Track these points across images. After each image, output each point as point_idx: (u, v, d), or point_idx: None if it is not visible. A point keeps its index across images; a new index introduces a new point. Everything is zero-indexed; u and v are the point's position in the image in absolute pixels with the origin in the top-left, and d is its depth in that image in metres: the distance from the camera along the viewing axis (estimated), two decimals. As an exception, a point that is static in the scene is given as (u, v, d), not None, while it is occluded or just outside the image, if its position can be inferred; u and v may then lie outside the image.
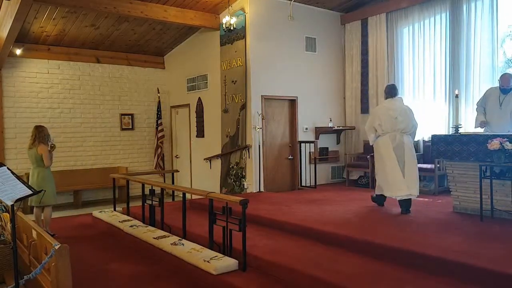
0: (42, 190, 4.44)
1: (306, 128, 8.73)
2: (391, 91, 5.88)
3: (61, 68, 9.20)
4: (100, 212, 7.17)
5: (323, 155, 8.91)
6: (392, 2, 8.30)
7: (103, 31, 8.72)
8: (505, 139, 4.77)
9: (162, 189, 5.90)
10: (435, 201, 6.53)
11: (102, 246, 5.81)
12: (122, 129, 10.01)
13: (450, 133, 6.09)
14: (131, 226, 5.98)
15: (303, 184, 8.58)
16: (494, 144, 4.78)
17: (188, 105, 9.82)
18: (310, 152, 8.62)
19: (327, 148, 9.06)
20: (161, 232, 5.49)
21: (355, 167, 8.64)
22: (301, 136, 8.63)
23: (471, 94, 7.17)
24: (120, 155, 9.97)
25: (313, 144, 8.56)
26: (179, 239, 5.09)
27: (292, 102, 8.61)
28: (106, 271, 4.76)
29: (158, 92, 10.27)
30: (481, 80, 7.07)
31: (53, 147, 6.27)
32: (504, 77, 5.93)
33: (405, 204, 5.58)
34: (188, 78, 9.74)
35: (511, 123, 5.77)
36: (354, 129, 9.07)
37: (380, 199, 6.08)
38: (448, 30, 7.52)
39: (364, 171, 8.26)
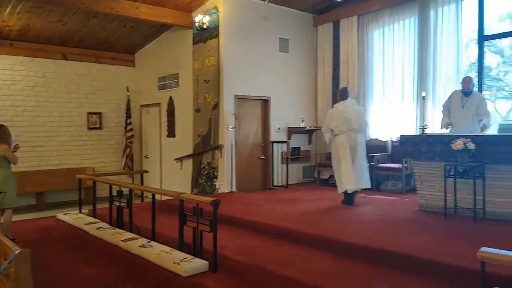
0: (1, 192, 4.25)
1: (279, 128, 8.75)
2: (344, 94, 6.39)
3: (24, 64, 8.87)
4: (64, 214, 6.95)
5: (295, 155, 8.96)
6: (363, 5, 8.43)
7: (71, 27, 8.47)
8: (468, 139, 4.94)
9: (131, 190, 5.78)
10: (402, 200, 6.68)
11: (67, 250, 5.62)
12: (89, 128, 9.75)
13: (418, 133, 6.23)
14: (98, 228, 5.82)
15: (275, 183, 8.60)
16: (458, 144, 4.94)
17: (159, 104, 9.67)
18: (282, 152, 8.65)
19: (299, 148, 9.12)
20: (129, 234, 5.37)
21: (326, 167, 8.70)
22: (273, 136, 8.65)
23: (438, 96, 7.37)
24: (87, 155, 9.71)
25: (285, 144, 8.61)
26: (148, 241, 4.99)
27: (265, 102, 8.62)
28: (70, 275, 4.61)
29: (128, 91, 10.06)
30: (446, 83, 7.28)
31: (16, 147, 6.04)
32: (465, 80, 6.16)
33: (352, 196, 6.18)
34: (159, 77, 9.59)
35: (473, 124, 5.97)
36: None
37: (350, 199, 6.28)
38: (417, 34, 7.70)
39: (335, 171, 8.34)
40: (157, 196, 5.96)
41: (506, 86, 7.79)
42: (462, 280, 3.25)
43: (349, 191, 6.16)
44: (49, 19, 7.98)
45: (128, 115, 9.96)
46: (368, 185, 6.33)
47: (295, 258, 4.12)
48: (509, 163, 4.79)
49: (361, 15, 8.54)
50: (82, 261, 5.06)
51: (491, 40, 7.50)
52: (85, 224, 6.15)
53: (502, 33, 7.44)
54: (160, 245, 4.81)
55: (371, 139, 8.38)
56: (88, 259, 5.17)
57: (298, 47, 9.11)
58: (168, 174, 9.41)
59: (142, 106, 10.36)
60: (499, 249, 2.56)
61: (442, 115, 6.43)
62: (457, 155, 5.01)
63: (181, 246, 4.58)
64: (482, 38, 7.15)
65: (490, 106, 6.35)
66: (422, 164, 5.69)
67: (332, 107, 6.74)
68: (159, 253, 4.49)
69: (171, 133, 9.32)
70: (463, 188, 5.15)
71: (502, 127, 5.44)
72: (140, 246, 4.80)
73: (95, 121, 9.83)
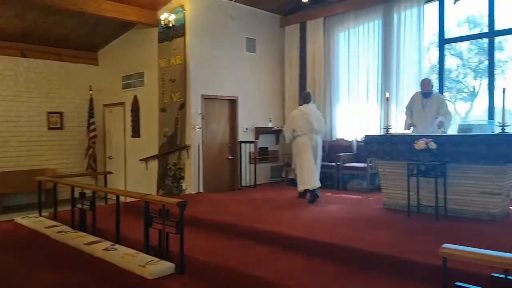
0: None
1: (247, 128, 8.74)
2: (307, 98, 6.76)
3: (-20, 61, 8.48)
4: (23, 218, 6.66)
5: (262, 155, 8.97)
6: (329, 7, 8.55)
7: (29, 23, 8.14)
8: (430, 139, 5.09)
9: (94, 192, 5.61)
10: (367, 198, 6.81)
11: (25, 255, 5.39)
12: (50, 128, 9.41)
13: (382, 133, 6.37)
14: (59, 232, 5.61)
15: (243, 184, 8.58)
16: (420, 144, 5.08)
17: (123, 104, 9.45)
18: (250, 152, 8.65)
19: (267, 148, 9.14)
20: (92, 238, 5.21)
21: (291, 167, 8.78)
22: (241, 136, 8.63)
23: (401, 97, 7.56)
24: (48, 156, 9.36)
25: (253, 144, 8.61)
26: (112, 244, 4.86)
27: (233, 102, 8.58)
28: (29, 281, 4.42)
29: (91, 90, 9.76)
30: (409, 85, 7.48)
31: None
32: (423, 82, 6.37)
33: (314, 193, 6.52)
34: (124, 76, 9.37)
35: (433, 125, 6.17)
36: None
37: (310, 195, 6.53)
38: (381, 37, 7.88)
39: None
40: (122, 198, 5.83)
41: (465, 88, 8.11)
42: (425, 276, 3.33)
43: (310, 189, 6.51)
44: (6, 14, 7.63)
45: (91, 114, 9.68)
46: (318, 185, 6.67)
47: (263, 257, 4.11)
48: (468, 162, 4.97)
49: (327, 17, 8.65)
50: (43, 267, 4.86)
51: (451, 44, 7.79)
52: (45, 227, 5.92)
53: (461, 36, 7.74)
54: (125, 248, 4.69)
55: (337, 139, 8.52)
56: (49, 264, 4.97)
57: (266, 48, 9.13)
58: (133, 175, 9.21)
59: (105, 105, 10.09)
60: (460, 245, 2.63)
61: (405, 116, 6.61)
62: (419, 154, 5.15)
63: (146, 248, 4.48)
64: (443, 42, 7.41)
65: (450, 107, 6.58)
66: (386, 163, 5.82)
67: (295, 109, 6.95)
68: (124, 256, 4.38)
69: (136, 133, 9.13)
70: (426, 187, 5.31)
71: (461, 127, 5.63)
72: (103, 249, 4.67)
73: (55, 120, 9.50)
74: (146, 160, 8.66)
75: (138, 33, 8.92)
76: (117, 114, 9.73)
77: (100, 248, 4.73)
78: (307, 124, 6.53)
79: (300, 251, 4.22)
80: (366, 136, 6.11)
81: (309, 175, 6.51)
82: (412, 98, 6.55)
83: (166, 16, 7.57)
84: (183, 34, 7.83)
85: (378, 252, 3.79)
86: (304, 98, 6.79)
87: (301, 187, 6.64)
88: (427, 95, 6.29)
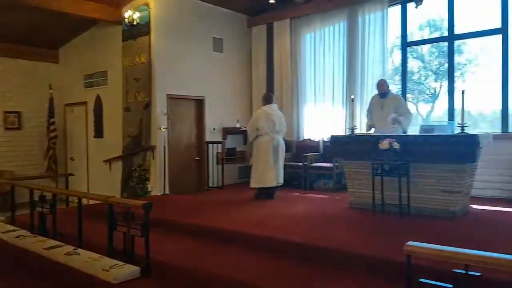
0: None
1: (214, 129, 8.68)
2: (269, 99, 6.99)
3: None
4: (-22, 222, 6.34)
5: (230, 155, 8.92)
6: (295, 9, 8.61)
7: (-16, 18, 7.77)
8: (394, 139, 5.21)
9: (54, 195, 5.40)
10: (333, 198, 6.90)
11: (-19, 261, 5.12)
12: (6, 129, 9.02)
13: (347, 134, 6.48)
14: (17, 236, 5.36)
15: (211, 185, 8.50)
16: (384, 144, 5.20)
17: (85, 103, 9.17)
18: (217, 153, 8.58)
19: (235, 148, 9.11)
20: (53, 242, 5.00)
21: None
22: (208, 137, 8.56)
23: (365, 99, 7.70)
24: (4, 158, 8.94)
25: (220, 144, 8.55)
26: (74, 249, 4.68)
27: (200, 102, 8.49)
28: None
29: (51, 89, 9.39)
30: (374, 86, 7.57)
31: None
32: (379, 84, 6.57)
33: (273, 191, 6.75)
34: (86, 74, 9.10)
35: (400, 125, 6.32)
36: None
37: (263, 193, 6.78)
38: (346, 39, 8.00)
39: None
40: (84, 201, 5.64)
41: (427, 89, 8.38)
42: (390, 273, 3.39)
43: (271, 186, 6.74)
44: (-41, 8, 7.26)
45: (51, 114, 9.32)
46: (282, 182, 6.93)
47: (230, 258, 4.08)
48: (430, 162, 5.13)
49: (294, 18, 8.72)
50: (1, 274, 4.63)
51: (413, 46, 8.02)
52: (2, 232, 5.63)
53: (422, 40, 7.99)
54: (88, 252, 4.54)
55: (304, 139, 8.59)
56: (6, 271, 4.74)
57: (233, 47, 9.10)
58: (96, 177, 8.95)
59: (66, 105, 9.77)
60: (423, 242, 2.70)
61: (367, 119, 6.77)
62: (383, 154, 5.26)
63: (111, 252, 4.35)
64: (405, 44, 7.62)
65: (411, 107, 6.78)
66: (352, 163, 5.92)
67: (258, 109, 7.10)
68: (87, 261, 4.23)
69: (98, 133, 8.88)
70: (390, 186, 5.42)
71: (423, 128, 5.79)
72: (65, 254, 4.49)
73: (13, 120, 9.11)
74: (109, 161, 8.43)
75: (101, 30, 8.68)
76: (79, 113, 9.44)
77: (61, 252, 4.55)
78: (270, 124, 6.73)
79: (268, 251, 4.21)
80: (332, 137, 6.21)
81: (270, 174, 6.69)
82: (370, 101, 6.74)
83: (130, 14, 7.41)
84: (148, 33, 7.68)
85: (344, 250, 3.84)
86: (267, 98, 6.99)
87: (257, 185, 6.80)
88: (384, 96, 6.48)
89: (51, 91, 9.39)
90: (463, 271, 2.29)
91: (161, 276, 3.95)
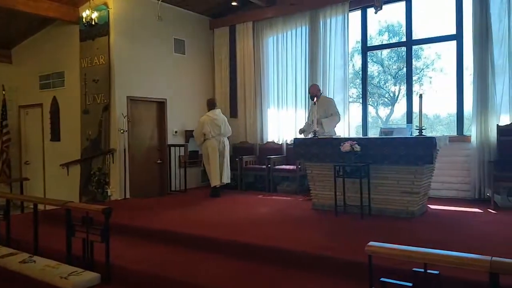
0: None
1: (176, 131, 8.55)
2: (213, 104, 7.58)
3: None
4: None
5: (193, 158, 8.81)
6: (258, 11, 8.64)
7: None
8: (355, 142, 5.32)
9: (8, 200, 5.15)
10: (296, 200, 6.96)
11: None
12: (-44, 131, 8.53)
13: (310, 137, 6.56)
14: (-33, 245, 5.07)
15: (173, 188, 8.37)
16: (345, 147, 5.30)
17: (41, 105, 8.81)
18: (180, 156, 8.45)
19: (198, 151, 8.98)
20: (6, 250, 4.76)
21: (224, 170, 8.75)
22: (170, 139, 8.42)
23: (327, 102, 7.83)
24: (-47, 162, 8.46)
25: (183, 147, 8.43)
26: (30, 256, 4.48)
27: (161, 104, 8.35)
28: None
29: (3, 90, 8.98)
30: (335, 90, 7.76)
31: None
32: (311, 87, 6.90)
33: (218, 190, 7.37)
34: (41, 75, 8.75)
35: (321, 127, 6.58)
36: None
37: (217, 191, 7.33)
38: (308, 42, 8.09)
39: (233, 173, 8.40)
40: (41, 206, 5.41)
41: (386, 93, 8.63)
42: (352, 273, 3.45)
43: (217, 186, 7.38)
44: None
45: (4, 116, 8.91)
46: (229, 181, 7.65)
47: (194, 263, 4.03)
48: (389, 163, 5.27)
49: (256, 21, 8.74)
50: None
51: (373, 51, 8.24)
52: (-51, 241, 5.31)
53: (382, 44, 8.23)
54: (44, 259, 4.35)
55: (268, 142, 8.62)
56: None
57: (195, 49, 9.02)
58: (53, 182, 8.61)
59: (21, 106, 9.35)
60: (384, 242, 2.76)
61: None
62: (345, 156, 5.37)
63: (69, 259, 4.19)
64: (365, 49, 7.80)
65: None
66: (314, 165, 6.00)
67: (203, 116, 7.53)
68: (44, 268, 4.06)
69: (55, 136, 8.55)
70: (351, 187, 5.54)
71: (383, 131, 5.95)
72: (20, 262, 4.29)
73: (-38, 123, 8.62)
74: (67, 165, 8.13)
75: (58, 30, 8.37)
76: (34, 115, 9.06)
77: (16, 260, 4.34)
78: (215, 128, 7.36)
79: (230, 254, 4.18)
80: (295, 139, 6.27)
81: (216, 174, 7.36)
82: (311, 106, 6.94)
83: (88, 14, 7.19)
84: (107, 33, 7.48)
85: (307, 252, 3.87)
86: (211, 104, 7.56)
87: (213, 184, 7.39)
88: (314, 99, 6.65)
89: (4, 92, 8.98)
90: (422, 270, 2.35)
91: (122, 282, 3.85)
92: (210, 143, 7.38)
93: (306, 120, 7.12)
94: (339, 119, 6.89)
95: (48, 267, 4.10)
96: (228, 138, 7.72)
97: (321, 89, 7.04)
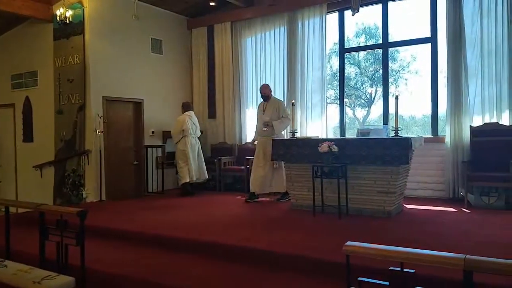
0: None
1: (153, 132, 8.45)
2: (189, 106, 7.97)
3: None
4: None
5: (170, 159, 8.71)
6: (236, 12, 8.62)
7: None
8: (333, 142, 5.37)
9: (-22, 203, 4.97)
10: (275, 200, 6.96)
11: None
12: None
13: (288, 137, 6.59)
14: None
15: (150, 190, 8.26)
16: (323, 147, 5.34)
17: (12, 105, 8.57)
18: (157, 157, 8.36)
19: (175, 152, 8.90)
20: (-24, 255, 4.61)
21: (202, 171, 8.69)
22: (147, 140, 8.32)
23: (305, 103, 7.86)
24: None
25: (160, 148, 8.34)
26: (1, 261, 4.33)
27: (138, 105, 8.23)
28: None
29: (-27, 89, 8.72)
30: (313, 91, 7.81)
31: None
32: (261, 87, 6.95)
33: (189, 187, 7.67)
34: (13, 74, 8.51)
35: (272, 130, 6.67)
36: (202, 133, 9.10)
37: (188, 189, 7.60)
38: (286, 43, 8.10)
39: (212, 174, 8.36)
40: (13, 209, 5.26)
41: (363, 94, 8.74)
42: (330, 273, 3.47)
43: (198, 181, 7.84)
44: None
45: (-26, 117, 8.64)
46: (207, 177, 8.02)
47: (171, 265, 3.98)
48: (366, 164, 5.34)
49: (235, 21, 8.72)
50: None
51: (350, 53, 8.33)
52: None
53: (359, 46, 8.33)
54: (17, 264, 4.21)
55: (246, 142, 8.60)
56: None
57: (173, 49, 8.93)
58: (26, 184, 8.38)
59: (-9, 107, 9.08)
60: (361, 242, 2.78)
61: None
62: (323, 157, 5.41)
63: (42, 263, 4.08)
64: (343, 51, 7.88)
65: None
66: (293, 166, 6.02)
67: (182, 115, 7.81)
68: (16, 273, 3.92)
69: (28, 137, 8.32)
70: (329, 187, 5.58)
71: (360, 132, 6.02)
72: (-10, 267, 4.15)
73: None
74: (40, 166, 7.93)
75: (31, 28, 8.16)
76: (5, 116, 8.80)
77: (-15, 266, 4.20)
78: (193, 127, 7.77)
79: (210, 256, 4.15)
80: (274, 140, 6.28)
81: (192, 170, 7.66)
82: (258, 107, 7.07)
83: (62, 12, 7.03)
84: (82, 32, 7.34)
85: (285, 252, 3.87)
86: (187, 106, 7.95)
87: (184, 180, 7.66)
88: (266, 99, 6.83)
89: (-27, 91, 8.70)
90: (398, 269, 2.38)
91: (98, 286, 3.79)
92: (188, 140, 7.64)
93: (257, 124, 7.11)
94: (289, 122, 6.78)
95: (21, 271, 3.98)
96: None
97: (272, 89, 7.11)
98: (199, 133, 8.02)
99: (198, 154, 7.91)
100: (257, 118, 7.07)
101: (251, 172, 6.99)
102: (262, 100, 6.98)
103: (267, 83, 7.35)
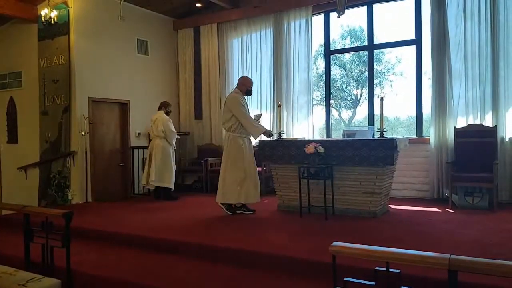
0: None
1: (139, 133, 8.39)
2: (168, 107, 7.66)
3: None
4: None
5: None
6: (222, 13, 8.62)
7: None
8: (319, 143, 5.41)
9: (-40, 206, 4.90)
10: (262, 201, 6.95)
11: None
12: None
13: (274, 139, 6.60)
14: None
15: (136, 191, 8.21)
16: (310, 148, 5.37)
17: (-4, 106, 8.44)
18: (143, 158, 8.30)
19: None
20: (-42, 258, 4.53)
21: (190, 172, 8.67)
22: (133, 142, 8.26)
23: (291, 104, 7.90)
24: None
25: (146, 149, 8.27)
26: (-15, 264, 4.28)
27: (124, 106, 8.18)
28: None
29: (-45, 90, 8.55)
30: (299, 92, 7.85)
31: None
32: (251, 81, 6.20)
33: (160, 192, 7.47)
34: (-3, 75, 8.38)
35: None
36: (188, 134, 9.09)
37: (171, 194, 7.38)
38: (272, 45, 8.12)
39: (199, 175, 8.33)
40: (-5, 212, 5.18)
41: (349, 96, 8.81)
42: (317, 273, 3.50)
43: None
44: None
45: (-44, 118, 8.45)
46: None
47: (157, 266, 3.96)
48: (352, 165, 5.38)
49: (221, 23, 8.71)
50: None
51: (336, 54, 8.39)
52: None
53: (344, 48, 8.40)
54: (1, 266, 4.12)
55: (233, 143, 8.57)
56: None
57: (159, 50, 8.89)
58: (10, 186, 8.25)
59: (-26, 107, 8.91)
60: (347, 242, 2.81)
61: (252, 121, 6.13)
62: (309, 158, 5.44)
63: (27, 265, 4.03)
64: (328, 52, 7.93)
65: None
66: (279, 167, 6.04)
67: (160, 115, 7.51)
68: (0, 276, 3.86)
69: (12, 138, 8.20)
70: (315, 188, 5.62)
71: (346, 133, 6.07)
72: (-27, 271, 4.08)
73: None
74: (25, 168, 7.82)
75: (15, 28, 8.04)
76: (-12, 117, 8.64)
77: (-32, 270, 4.13)
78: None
79: (196, 257, 4.15)
80: (260, 141, 6.28)
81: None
82: (242, 102, 6.12)
83: (47, 12, 6.95)
84: (67, 32, 7.26)
85: (271, 253, 3.89)
86: (167, 106, 7.69)
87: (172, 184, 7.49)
88: (249, 94, 6.25)
89: (-45, 92, 8.52)
90: (384, 269, 2.41)
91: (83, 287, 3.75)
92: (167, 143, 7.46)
93: (248, 114, 6.23)
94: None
95: (5, 274, 3.92)
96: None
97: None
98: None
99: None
100: (247, 112, 6.15)
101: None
102: (245, 95, 6.22)
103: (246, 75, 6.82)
